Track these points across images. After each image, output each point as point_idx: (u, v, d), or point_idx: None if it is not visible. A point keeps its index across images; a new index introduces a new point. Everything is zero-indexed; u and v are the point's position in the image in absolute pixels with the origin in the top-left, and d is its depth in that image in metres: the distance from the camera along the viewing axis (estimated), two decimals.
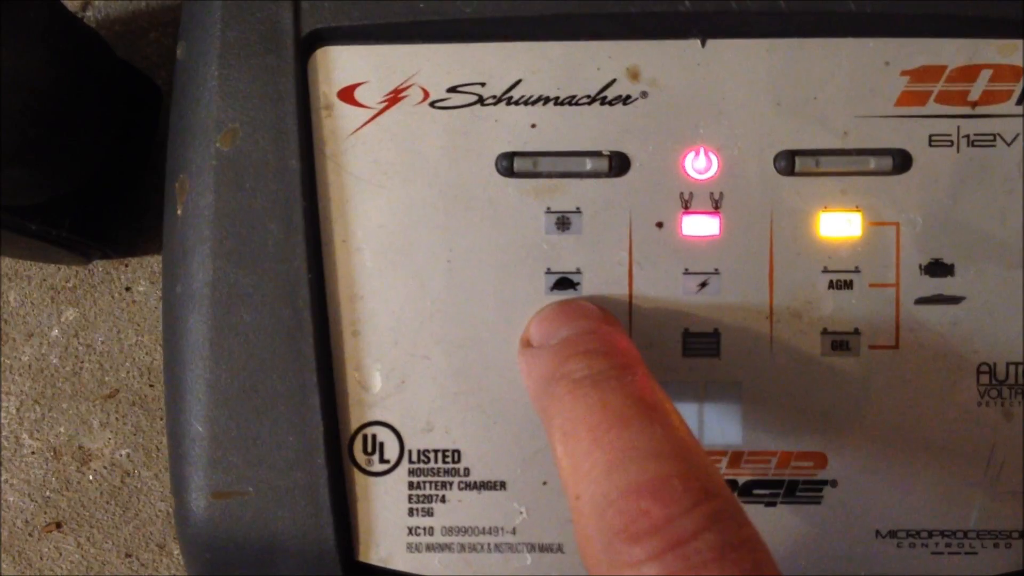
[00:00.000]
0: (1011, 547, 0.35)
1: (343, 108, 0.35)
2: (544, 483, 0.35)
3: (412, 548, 0.35)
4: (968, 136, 0.34)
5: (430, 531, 0.35)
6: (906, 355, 0.35)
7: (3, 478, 0.46)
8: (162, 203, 0.37)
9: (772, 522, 0.35)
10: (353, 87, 0.35)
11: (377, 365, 0.35)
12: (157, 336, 0.46)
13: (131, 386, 0.46)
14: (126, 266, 0.46)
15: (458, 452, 0.35)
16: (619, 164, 0.35)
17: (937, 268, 0.35)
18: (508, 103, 0.35)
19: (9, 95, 0.34)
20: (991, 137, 0.34)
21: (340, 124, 0.35)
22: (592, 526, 0.27)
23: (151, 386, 0.46)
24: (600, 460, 0.28)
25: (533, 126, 0.35)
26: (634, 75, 0.35)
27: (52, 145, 0.36)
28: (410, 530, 0.35)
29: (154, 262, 0.46)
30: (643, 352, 0.35)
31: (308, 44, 0.35)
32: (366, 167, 0.35)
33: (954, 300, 0.35)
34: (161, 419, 0.46)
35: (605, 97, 0.35)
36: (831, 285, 0.35)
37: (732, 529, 0.26)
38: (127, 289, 0.46)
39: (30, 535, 0.45)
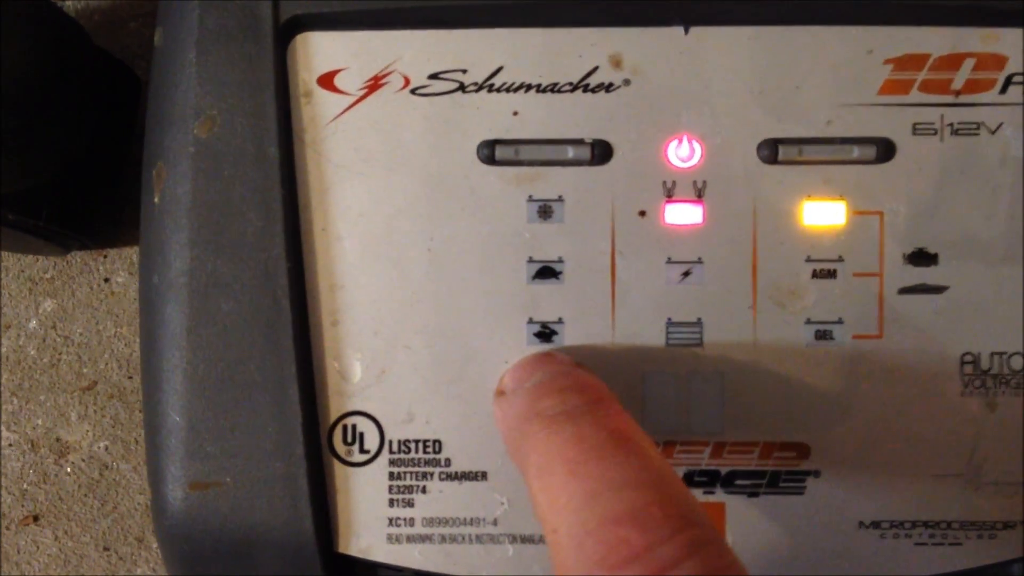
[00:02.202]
0: (995, 538, 0.35)
1: (323, 95, 0.35)
2: None
3: (392, 539, 0.35)
4: (952, 125, 0.34)
5: (411, 522, 0.35)
6: (890, 345, 0.34)
7: None
8: (140, 194, 0.36)
9: (754, 512, 0.35)
10: (333, 74, 0.35)
11: (357, 355, 0.35)
12: (136, 328, 0.46)
13: (109, 378, 0.46)
14: (105, 257, 0.46)
15: (439, 442, 0.35)
16: (601, 152, 0.35)
17: (921, 257, 0.34)
18: (490, 90, 0.35)
19: None
20: (975, 126, 0.34)
21: (320, 111, 0.35)
22: (571, 558, 0.27)
23: (130, 378, 0.45)
24: (577, 492, 0.27)
25: (515, 113, 0.35)
26: (617, 62, 0.35)
27: (30, 134, 0.36)
28: (390, 521, 0.35)
29: (133, 253, 0.46)
30: (626, 341, 0.35)
31: (287, 30, 0.35)
32: (346, 155, 0.35)
33: (938, 289, 0.34)
34: (140, 412, 0.45)
35: (588, 84, 0.35)
36: (815, 274, 0.34)
37: (713, 557, 0.26)
38: (106, 280, 0.46)
39: (7, 528, 0.45)
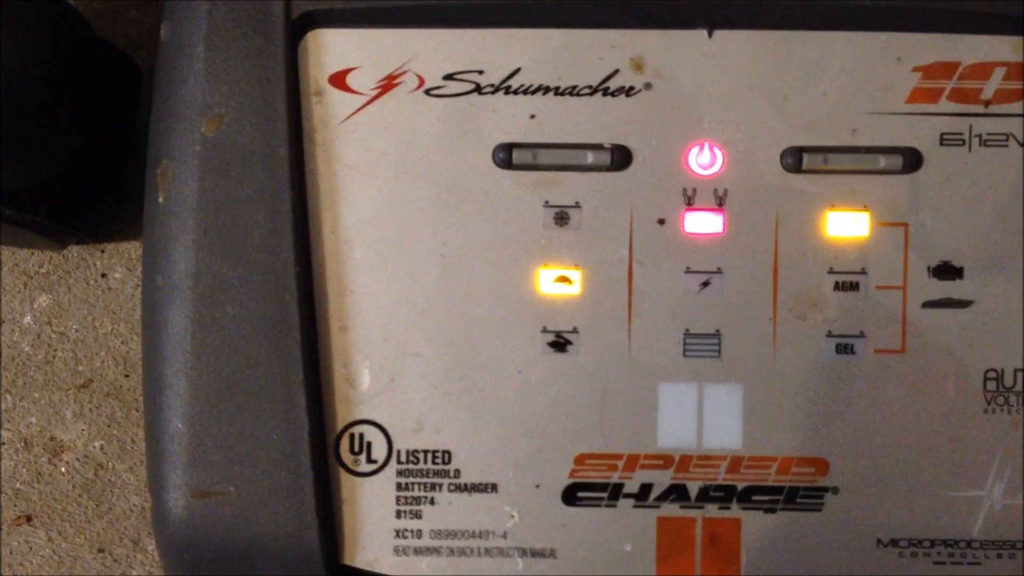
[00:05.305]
0: (1015, 558, 0.34)
1: (334, 94, 0.34)
2: (537, 486, 0.34)
3: (399, 551, 0.34)
4: (980, 136, 0.34)
5: (418, 534, 0.34)
6: (912, 360, 0.34)
7: None
8: (141, 188, 0.35)
9: (771, 529, 0.34)
10: (345, 72, 0.34)
11: (366, 362, 0.34)
12: (133, 324, 0.44)
13: (106, 376, 0.45)
14: (102, 252, 0.45)
15: (448, 453, 0.34)
16: (621, 158, 0.34)
17: (946, 271, 0.34)
18: (507, 92, 0.34)
19: None
20: (1004, 137, 0.34)
21: (331, 111, 0.34)
22: None
23: (126, 376, 0.44)
24: None
25: (532, 117, 0.34)
26: (638, 65, 0.34)
27: (35, 132, 0.35)
28: (397, 532, 0.34)
29: (131, 248, 0.45)
30: (642, 352, 0.34)
31: (299, 26, 0.34)
32: (358, 156, 0.34)
33: (962, 304, 0.34)
34: (137, 410, 0.44)
35: (607, 88, 0.34)
36: (837, 286, 0.34)
37: None
38: (103, 276, 0.45)
39: None
